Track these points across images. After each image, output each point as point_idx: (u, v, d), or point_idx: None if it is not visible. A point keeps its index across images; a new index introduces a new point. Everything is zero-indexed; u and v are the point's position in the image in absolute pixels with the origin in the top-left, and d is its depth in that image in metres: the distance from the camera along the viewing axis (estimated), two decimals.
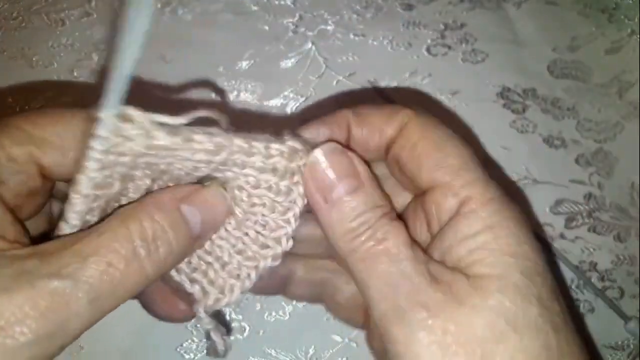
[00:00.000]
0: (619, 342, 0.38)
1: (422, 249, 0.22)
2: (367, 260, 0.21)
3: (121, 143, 0.20)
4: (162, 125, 0.20)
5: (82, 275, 0.18)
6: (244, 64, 0.45)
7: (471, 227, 0.21)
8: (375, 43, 0.47)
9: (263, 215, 0.24)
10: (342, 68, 0.45)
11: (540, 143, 0.44)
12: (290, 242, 0.25)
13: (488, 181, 0.21)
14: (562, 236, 0.41)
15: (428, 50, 0.47)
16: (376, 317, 0.21)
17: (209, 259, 0.25)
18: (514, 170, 0.43)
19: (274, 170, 0.23)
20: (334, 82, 0.45)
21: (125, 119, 0.20)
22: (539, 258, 0.21)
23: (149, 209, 0.21)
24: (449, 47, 0.47)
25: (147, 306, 0.26)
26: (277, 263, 0.25)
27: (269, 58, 0.45)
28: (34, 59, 0.45)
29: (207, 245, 0.25)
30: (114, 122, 0.20)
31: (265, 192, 0.24)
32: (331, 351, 0.37)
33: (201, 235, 0.23)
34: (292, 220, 0.24)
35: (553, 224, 0.41)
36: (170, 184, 0.24)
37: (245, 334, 0.37)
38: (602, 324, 0.39)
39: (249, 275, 0.25)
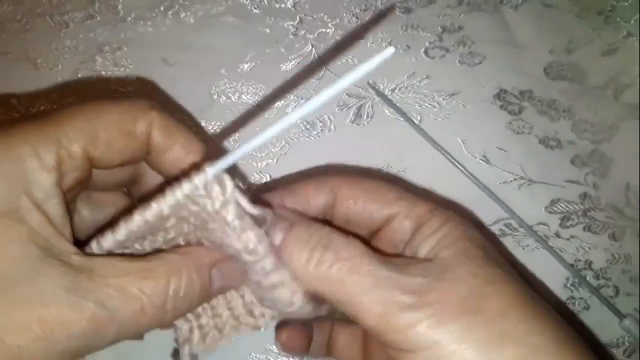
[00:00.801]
0: (614, 340, 0.39)
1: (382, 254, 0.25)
2: (344, 283, 0.23)
3: (201, 199, 0.22)
4: (237, 203, 0.23)
5: (119, 311, 0.21)
6: (246, 67, 0.46)
7: (428, 231, 0.25)
8: (374, 45, 0.47)
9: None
10: (342, 70, 0.46)
11: (536, 144, 0.44)
12: (273, 322, 0.27)
13: (423, 201, 0.27)
14: (557, 235, 0.41)
15: (426, 52, 0.47)
16: (371, 325, 0.23)
17: (205, 305, 0.27)
18: (510, 171, 0.43)
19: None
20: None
21: (219, 181, 0.22)
22: (481, 236, 0.26)
23: (190, 268, 0.24)
24: (447, 50, 0.47)
25: None
26: (254, 333, 0.27)
27: (270, 60, 0.46)
28: (38, 61, 0.45)
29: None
30: (209, 179, 0.22)
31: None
32: None
33: (215, 295, 0.26)
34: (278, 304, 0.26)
35: (548, 223, 0.42)
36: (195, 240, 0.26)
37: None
38: (597, 322, 0.39)
39: (229, 333, 0.27)
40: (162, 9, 0.48)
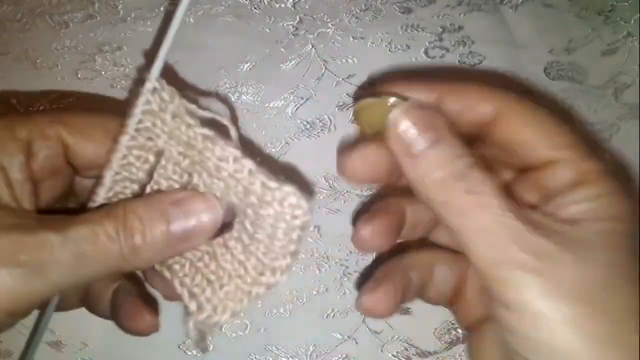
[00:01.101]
0: None
1: (518, 203, 0.23)
2: (463, 213, 0.22)
3: (154, 116, 0.25)
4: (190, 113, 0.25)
5: (72, 233, 0.22)
6: (245, 67, 0.45)
7: (588, 193, 0.22)
8: (374, 45, 0.47)
9: (266, 243, 0.25)
10: (342, 70, 0.46)
11: None
12: (285, 276, 0.26)
13: (596, 157, 0.23)
14: None
15: (426, 52, 0.47)
16: (480, 267, 0.21)
17: (212, 277, 0.27)
18: None
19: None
20: (334, 84, 0.45)
21: (162, 95, 0.25)
22: (637, 227, 0.22)
23: (136, 203, 0.24)
24: (447, 50, 0.47)
25: (115, 318, 0.29)
26: (270, 292, 0.26)
27: (270, 60, 0.46)
28: (37, 60, 0.45)
29: (213, 265, 0.27)
30: (153, 95, 0.24)
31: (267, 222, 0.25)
32: (331, 348, 0.38)
33: (183, 239, 0.24)
34: (289, 255, 0.25)
35: None
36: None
37: (247, 331, 0.38)
38: None
39: (241, 300, 0.26)
40: (162, 9, 0.48)
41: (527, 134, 0.24)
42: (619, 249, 0.21)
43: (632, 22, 0.50)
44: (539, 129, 0.24)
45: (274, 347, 0.37)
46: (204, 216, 0.25)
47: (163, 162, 0.26)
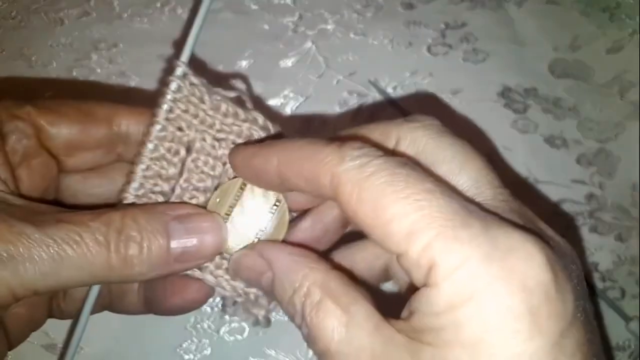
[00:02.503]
0: (620, 343, 0.38)
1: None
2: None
3: (185, 104, 0.24)
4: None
5: (52, 230, 0.19)
6: (244, 63, 0.45)
7: (431, 306, 0.17)
8: (375, 42, 0.46)
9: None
10: (342, 67, 0.45)
11: (542, 143, 0.44)
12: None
13: (454, 236, 0.17)
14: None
15: (429, 49, 0.47)
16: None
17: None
18: (515, 170, 0.42)
19: None
20: (334, 82, 0.44)
21: (192, 80, 0.24)
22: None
23: (137, 211, 0.22)
24: (450, 47, 0.47)
25: (162, 304, 0.26)
26: None
27: (269, 57, 0.45)
28: (33, 58, 0.45)
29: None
30: (182, 84, 0.24)
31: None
32: None
33: (182, 259, 0.22)
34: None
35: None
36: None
37: (245, 335, 0.37)
38: (603, 325, 0.39)
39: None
40: (158, 5, 0.47)
41: (362, 225, 0.19)
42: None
43: (637, 19, 0.49)
44: (374, 214, 0.18)
45: (272, 351, 0.37)
46: (207, 237, 0.22)
47: (194, 154, 0.25)
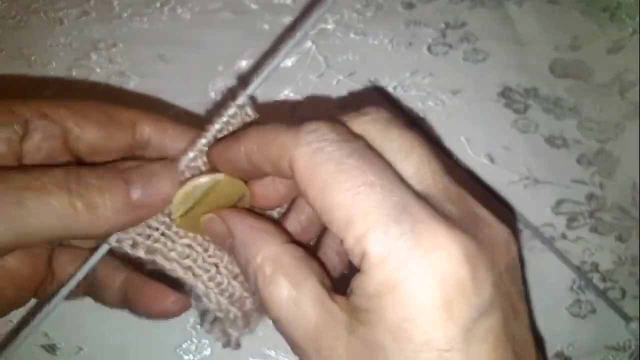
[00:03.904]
0: (621, 343, 0.38)
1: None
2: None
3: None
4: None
5: (11, 179, 0.20)
6: (244, 63, 0.45)
7: (363, 288, 0.19)
8: (375, 42, 0.46)
9: None
10: (342, 67, 0.45)
11: (542, 143, 0.44)
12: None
13: (384, 231, 0.18)
14: (563, 236, 0.41)
15: (429, 49, 0.46)
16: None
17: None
18: (515, 170, 0.42)
19: None
20: (334, 82, 0.44)
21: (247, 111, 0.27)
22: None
23: (94, 167, 0.23)
24: (450, 46, 0.47)
25: (137, 307, 0.27)
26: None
27: (269, 57, 0.45)
28: (32, 58, 0.44)
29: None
30: (239, 112, 0.26)
31: None
32: None
33: (142, 204, 0.23)
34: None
35: (554, 224, 0.41)
36: None
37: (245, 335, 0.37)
38: (603, 325, 0.39)
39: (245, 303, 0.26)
40: (158, 5, 0.47)
41: (313, 206, 0.20)
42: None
43: (637, 19, 0.49)
44: (322, 202, 0.20)
45: (272, 351, 0.37)
46: (161, 181, 0.24)
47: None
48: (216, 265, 0.25)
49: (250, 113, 0.27)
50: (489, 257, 0.19)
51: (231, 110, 0.26)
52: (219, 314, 0.25)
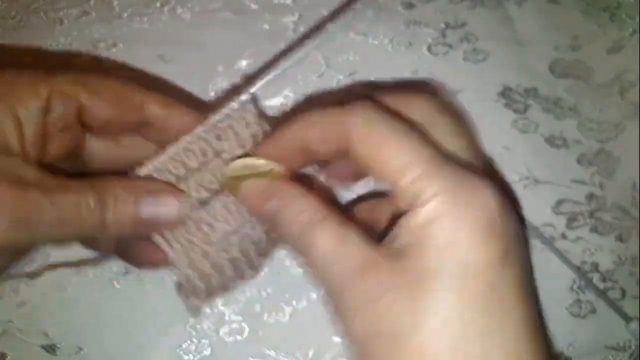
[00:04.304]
0: (621, 343, 0.38)
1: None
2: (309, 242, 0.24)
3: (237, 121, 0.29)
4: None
5: (59, 198, 0.24)
6: (244, 63, 0.45)
7: (415, 220, 0.22)
8: (375, 42, 0.46)
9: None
10: (342, 67, 0.45)
11: (542, 143, 0.44)
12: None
13: (436, 176, 0.22)
14: (563, 236, 0.41)
15: (429, 49, 0.46)
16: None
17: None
18: (515, 170, 0.42)
19: None
20: (334, 82, 0.44)
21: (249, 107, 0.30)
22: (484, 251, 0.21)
23: (116, 182, 0.27)
24: (450, 46, 0.47)
25: (129, 257, 0.31)
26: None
27: (269, 57, 0.45)
28: None
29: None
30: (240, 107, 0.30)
31: None
32: (331, 353, 0.37)
33: (148, 225, 0.27)
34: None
35: (554, 224, 0.41)
36: None
37: (245, 335, 0.37)
38: (603, 325, 0.39)
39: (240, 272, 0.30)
40: (158, 4, 0.47)
41: (368, 161, 0.24)
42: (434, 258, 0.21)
43: (638, 19, 0.49)
44: (376, 153, 0.23)
45: (272, 351, 0.37)
46: (171, 210, 0.28)
47: (218, 160, 0.29)
48: (191, 241, 0.28)
49: (251, 110, 0.30)
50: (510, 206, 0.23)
51: (233, 105, 0.29)
52: (182, 280, 0.28)
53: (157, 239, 0.28)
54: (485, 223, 0.21)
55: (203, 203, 0.29)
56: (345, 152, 0.24)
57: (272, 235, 0.30)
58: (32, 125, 0.26)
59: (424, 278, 0.21)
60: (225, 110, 0.29)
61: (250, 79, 0.33)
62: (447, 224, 0.21)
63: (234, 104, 0.29)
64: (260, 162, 0.27)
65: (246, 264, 0.30)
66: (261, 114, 0.30)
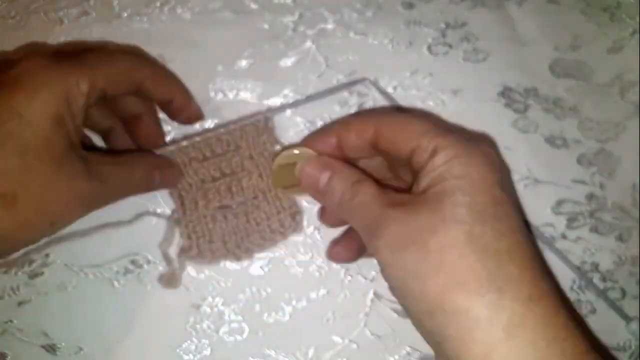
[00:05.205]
0: (621, 343, 0.38)
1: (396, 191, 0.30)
2: (356, 209, 0.30)
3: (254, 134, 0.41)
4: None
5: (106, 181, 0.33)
6: (244, 63, 0.45)
7: (434, 164, 0.28)
8: (375, 42, 0.46)
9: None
10: (342, 67, 0.45)
11: (542, 143, 0.44)
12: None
13: (447, 134, 0.29)
14: (563, 236, 0.41)
15: (429, 49, 0.46)
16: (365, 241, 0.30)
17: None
18: (515, 170, 0.42)
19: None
20: (334, 81, 0.44)
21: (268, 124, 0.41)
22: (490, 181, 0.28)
23: (145, 164, 0.37)
24: (450, 46, 0.47)
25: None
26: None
27: (269, 57, 0.45)
28: None
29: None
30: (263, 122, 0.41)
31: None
32: (331, 352, 0.37)
33: (158, 185, 0.38)
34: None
35: (555, 224, 0.41)
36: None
37: (245, 335, 0.37)
38: (603, 325, 0.39)
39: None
40: (158, 4, 0.47)
41: (394, 139, 0.31)
42: (460, 201, 0.26)
43: (637, 19, 0.49)
44: (400, 131, 0.30)
45: (272, 351, 0.37)
46: (172, 173, 0.38)
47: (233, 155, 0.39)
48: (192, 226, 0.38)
49: (271, 126, 0.40)
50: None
51: (254, 119, 0.40)
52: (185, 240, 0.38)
53: (174, 192, 0.39)
54: (487, 161, 0.28)
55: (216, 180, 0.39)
56: (374, 144, 0.31)
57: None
58: (78, 115, 0.32)
59: (443, 197, 0.26)
60: (242, 119, 0.40)
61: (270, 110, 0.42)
62: (463, 160, 0.27)
63: (252, 119, 0.40)
64: (299, 151, 0.34)
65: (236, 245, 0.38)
66: (271, 127, 0.40)
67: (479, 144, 0.29)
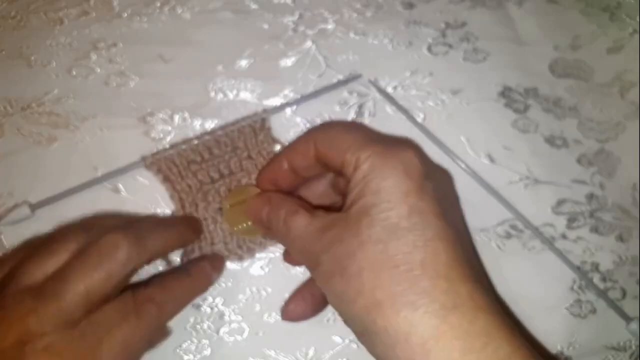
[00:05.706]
0: (621, 343, 0.38)
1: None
2: (289, 245, 0.32)
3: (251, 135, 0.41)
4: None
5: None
6: (243, 63, 0.45)
7: (356, 178, 0.29)
8: (375, 42, 0.46)
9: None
10: (342, 67, 0.45)
11: (542, 143, 0.44)
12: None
13: (367, 146, 0.29)
14: (563, 236, 0.41)
15: (429, 49, 0.46)
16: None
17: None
18: (515, 170, 0.42)
19: None
20: (334, 81, 0.44)
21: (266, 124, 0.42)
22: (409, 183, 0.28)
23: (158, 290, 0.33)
24: (450, 46, 0.47)
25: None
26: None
27: (269, 57, 0.45)
28: (32, 58, 0.44)
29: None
30: (261, 123, 0.41)
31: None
32: (331, 352, 0.37)
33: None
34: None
35: (555, 224, 0.41)
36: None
37: (245, 335, 0.37)
38: (603, 325, 0.39)
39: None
40: (158, 4, 0.47)
41: (327, 154, 0.31)
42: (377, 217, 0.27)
43: (638, 19, 0.49)
44: (330, 146, 0.31)
45: (272, 351, 0.37)
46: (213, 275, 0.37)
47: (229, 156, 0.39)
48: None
49: (268, 126, 0.41)
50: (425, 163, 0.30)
51: (247, 121, 0.40)
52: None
53: None
54: (404, 168, 0.28)
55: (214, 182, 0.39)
56: (318, 161, 0.32)
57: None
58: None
59: (361, 216, 0.27)
60: (239, 120, 0.40)
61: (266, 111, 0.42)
62: (378, 172, 0.28)
63: (248, 120, 0.40)
64: (248, 188, 0.37)
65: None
66: (268, 127, 0.41)
67: (398, 152, 0.29)
